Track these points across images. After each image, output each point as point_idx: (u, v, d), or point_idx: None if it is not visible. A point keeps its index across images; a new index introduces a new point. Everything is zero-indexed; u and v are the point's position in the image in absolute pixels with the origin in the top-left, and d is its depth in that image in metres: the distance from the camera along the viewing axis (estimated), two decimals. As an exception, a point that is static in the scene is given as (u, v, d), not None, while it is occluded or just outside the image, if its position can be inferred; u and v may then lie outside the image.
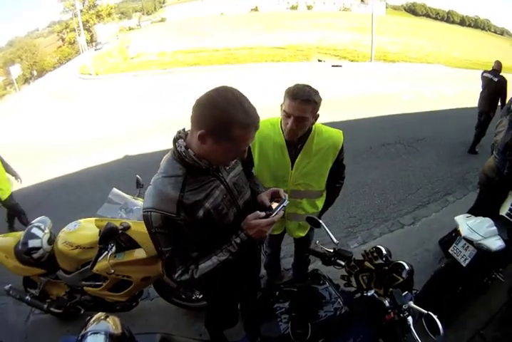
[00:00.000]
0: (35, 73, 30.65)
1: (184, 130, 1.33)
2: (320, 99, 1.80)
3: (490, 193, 2.99)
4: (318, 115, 1.86)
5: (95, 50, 39.10)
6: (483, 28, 66.76)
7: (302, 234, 2.31)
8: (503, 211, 2.69)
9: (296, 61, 19.00)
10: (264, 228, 1.32)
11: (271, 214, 1.34)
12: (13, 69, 31.98)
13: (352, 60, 18.99)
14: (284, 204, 1.40)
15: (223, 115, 1.14)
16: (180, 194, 1.23)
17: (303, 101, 1.72)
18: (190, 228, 1.26)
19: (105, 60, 26.59)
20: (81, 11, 39.07)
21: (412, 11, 74.59)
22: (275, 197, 1.50)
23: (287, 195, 1.48)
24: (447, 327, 1.31)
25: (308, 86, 1.79)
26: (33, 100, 19.58)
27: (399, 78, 13.56)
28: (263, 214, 1.34)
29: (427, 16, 72.51)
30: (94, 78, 21.15)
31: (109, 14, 52.77)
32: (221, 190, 1.37)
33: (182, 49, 24.92)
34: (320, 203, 2.22)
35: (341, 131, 2.05)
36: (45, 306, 2.68)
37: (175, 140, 1.29)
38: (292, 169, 1.99)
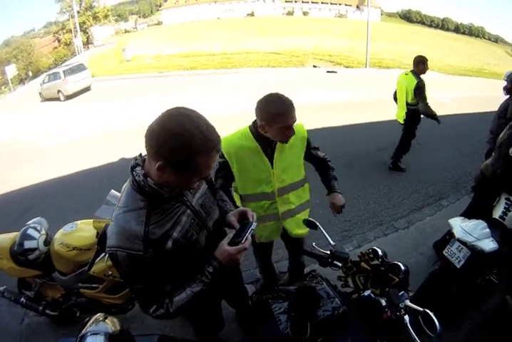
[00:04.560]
0: (30, 73, 30.45)
1: (141, 155, 1.25)
2: None
3: (484, 193, 3.04)
4: None
5: (95, 47, 39.04)
6: (477, 36, 67.88)
7: (303, 231, 2.31)
8: (496, 214, 2.73)
9: (291, 67, 19.05)
10: (236, 256, 1.27)
11: (240, 241, 1.27)
12: (9, 69, 31.63)
13: (347, 67, 19.05)
14: (253, 227, 1.33)
15: (182, 147, 1.06)
16: (145, 230, 1.15)
17: (292, 108, 1.84)
18: (160, 262, 1.19)
19: (100, 63, 26.48)
20: (78, 12, 39.06)
21: (407, 18, 75.59)
22: (243, 217, 1.44)
23: (255, 215, 1.43)
24: (442, 328, 1.32)
25: (278, 93, 1.87)
26: (27, 100, 19.45)
27: (394, 84, 13.62)
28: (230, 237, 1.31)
29: (422, 23, 73.53)
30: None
31: (106, 16, 52.68)
32: (188, 215, 1.30)
33: (179, 53, 24.94)
34: (304, 192, 2.27)
35: (300, 123, 2.10)
36: (41, 308, 2.65)
37: (133, 168, 1.21)
38: (272, 168, 2.03)
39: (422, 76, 4.69)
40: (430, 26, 71.96)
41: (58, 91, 14.86)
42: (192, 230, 1.31)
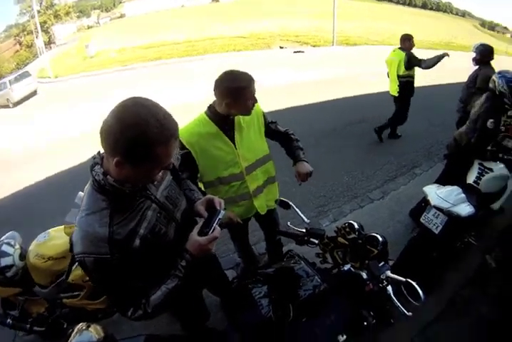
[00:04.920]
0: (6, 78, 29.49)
1: (99, 153, 1.16)
2: None
3: (458, 160, 3.12)
4: None
5: (57, 46, 37.80)
6: (444, 11, 68.66)
7: (272, 204, 2.33)
8: (470, 179, 2.81)
9: (257, 49, 18.89)
10: (208, 246, 1.22)
11: (209, 231, 1.23)
12: None
13: (314, 46, 19.02)
14: (220, 215, 1.28)
15: (138, 137, 0.99)
16: (109, 231, 1.09)
17: (252, 80, 1.84)
18: (129, 262, 1.14)
19: (63, 62, 25.64)
20: (38, 11, 37.23)
21: (374, -5, 75.69)
22: (211, 205, 1.38)
23: (222, 203, 1.39)
24: (426, 292, 1.32)
25: (233, 70, 1.87)
26: None
27: (361, 60, 13.66)
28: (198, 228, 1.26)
29: (389, 0, 73.91)
30: (53, 81, 20.48)
31: (67, 13, 50.58)
32: (153, 209, 1.24)
33: (142, 44, 24.30)
34: (270, 166, 2.25)
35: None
36: (28, 326, 2.54)
37: (92, 168, 1.14)
38: (236, 149, 2.00)
39: None
40: (397, 2, 72.28)
41: (7, 99, 16.43)
42: (159, 224, 1.25)
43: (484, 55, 4.19)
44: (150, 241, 1.20)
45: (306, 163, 2.20)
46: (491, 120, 2.72)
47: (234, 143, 1.99)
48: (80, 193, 2.38)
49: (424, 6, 69.83)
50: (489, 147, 2.84)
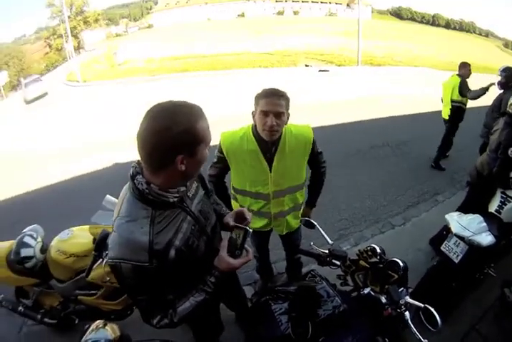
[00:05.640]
0: (22, 79, 30.78)
1: (139, 163, 1.19)
2: (289, 98, 1.88)
3: (480, 189, 3.07)
4: (289, 114, 1.92)
5: (86, 51, 38.82)
6: (468, 31, 68.19)
7: (294, 226, 2.36)
8: (492, 208, 2.77)
9: (283, 67, 19.09)
10: (239, 267, 1.29)
11: (241, 253, 1.29)
12: (0, 76, 32.15)
13: (339, 65, 19.18)
14: (248, 236, 1.32)
15: (182, 124, 1.07)
16: (149, 240, 1.13)
17: (277, 96, 1.80)
18: (164, 272, 1.17)
19: (92, 67, 26.50)
20: (69, 17, 38.66)
21: (397, 15, 75.99)
22: (240, 217, 1.45)
23: (251, 215, 1.45)
24: (443, 322, 1.32)
25: (275, 87, 1.87)
26: (20, 106, 19.41)
27: (385, 81, 13.74)
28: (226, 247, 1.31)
29: (412, 19, 73.88)
30: (81, 85, 21.15)
31: (96, 20, 52.62)
32: (188, 222, 1.28)
33: (170, 55, 24.94)
34: (300, 195, 2.26)
35: (309, 125, 2.10)
36: (39, 316, 2.61)
37: (133, 177, 1.18)
38: (270, 172, 2.01)
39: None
40: (421, 22, 72.41)
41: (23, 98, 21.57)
42: (192, 237, 1.29)
43: (510, 79, 4.18)
44: (183, 253, 1.23)
45: (311, 210, 2.41)
46: None
47: (270, 166, 2.00)
48: (108, 196, 2.48)
49: (447, 26, 69.59)
50: None
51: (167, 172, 1.12)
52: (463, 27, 69.63)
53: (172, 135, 1.05)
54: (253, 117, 1.91)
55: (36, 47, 51.69)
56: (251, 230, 1.33)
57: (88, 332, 1.46)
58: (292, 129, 2.01)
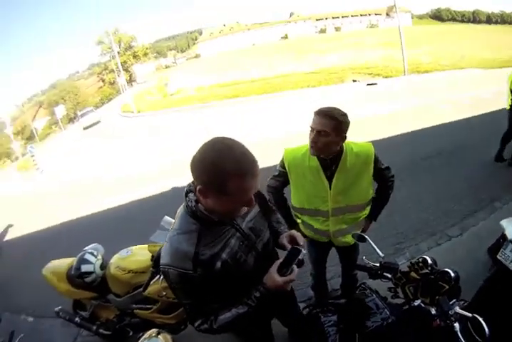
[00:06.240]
0: (78, 112, 33.69)
1: (194, 182, 1.28)
2: (347, 121, 1.90)
3: None
4: (345, 137, 1.94)
5: (138, 84, 41.58)
6: (510, 23, 64.24)
7: (350, 241, 2.31)
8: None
9: (331, 84, 18.98)
10: (283, 285, 1.30)
11: (287, 272, 1.31)
12: (58, 110, 34.86)
13: (386, 77, 18.73)
14: (300, 256, 1.34)
15: (214, 168, 1.12)
16: (195, 251, 1.24)
17: (324, 115, 1.84)
18: (209, 281, 1.26)
19: (145, 99, 28.07)
20: (118, 52, 41.44)
21: (438, 17, 73.87)
22: (294, 240, 1.49)
23: (304, 242, 1.51)
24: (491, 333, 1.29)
25: (335, 107, 1.91)
26: (78, 138, 21.12)
27: (434, 88, 13.30)
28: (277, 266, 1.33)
29: (453, 19, 71.41)
30: (136, 116, 22.53)
31: (145, 54, 56.13)
32: (237, 238, 1.36)
33: (219, 82, 25.84)
34: (364, 214, 2.26)
35: (370, 143, 2.12)
36: (95, 327, 2.80)
37: (186, 194, 1.31)
38: (330, 189, 2.04)
39: None
40: (462, 21, 69.76)
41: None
42: (240, 252, 1.36)
43: None
44: (230, 266, 1.31)
45: (370, 223, 2.37)
46: None
47: (330, 182, 2.04)
48: (166, 217, 2.65)
49: (489, 21, 66.30)
50: None
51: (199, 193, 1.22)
52: (505, 19, 65.87)
53: (203, 168, 1.15)
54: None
55: (89, 82, 56.13)
56: (305, 251, 1.37)
57: (141, 339, 1.57)
58: (352, 146, 2.05)
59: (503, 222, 2.57)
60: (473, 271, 2.99)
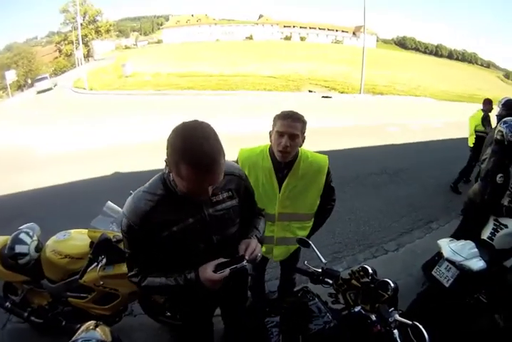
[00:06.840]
0: (29, 80, 31.29)
1: None
2: (306, 122, 1.94)
3: (473, 217, 3.13)
4: (305, 137, 1.97)
5: (95, 60, 39.98)
6: (470, 62, 69.88)
7: (283, 258, 2.37)
8: (485, 235, 2.82)
9: (287, 91, 19.46)
10: (209, 282, 1.32)
11: (220, 271, 1.32)
12: (8, 74, 32.94)
13: (342, 92, 19.55)
14: (239, 266, 1.34)
15: (172, 151, 1.17)
16: (148, 211, 1.31)
17: (294, 119, 1.87)
18: (152, 242, 1.35)
19: (99, 77, 26.91)
20: (81, 24, 39.67)
21: (402, 44, 78.05)
22: (247, 251, 1.45)
23: (259, 256, 1.46)
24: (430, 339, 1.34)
25: (294, 111, 1.94)
26: (24, 107, 19.72)
27: (387, 110, 14.04)
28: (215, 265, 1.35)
29: (416, 49, 75.90)
30: (87, 93, 21.66)
31: (107, 31, 53.85)
32: (197, 220, 1.38)
33: (177, 72, 25.32)
34: (308, 227, 2.27)
35: (326, 156, 2.14)
36: (26, 314, 2.60)
37: (166, 162, 1.30)
38: (279, 192, 2.06)
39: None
40: (424, 52, 74.38)
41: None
42: (192, 234, 1.38)
43: (510, 111, 4.27)
44: (176, 240, 1.37)
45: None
46: (500, 175, 2.75)
47: (280, 186, 2.04)
48: (109, 203, 2.54)
49: (450, 56, 71.31)
50: (506, 203, 2.81)
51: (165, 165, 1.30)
52: (465, 57, 71.45)
53: (169, 147, 1.20)
54: (270, 136, 1.98)
55: (46, 50, 52.55)
56: (246, 264, 1.37)
57: (79, 331, 1.46)
58: (308, 154, 2.06)
59: (440, 242, 2.70)
60: (406, 285, 3.14)
